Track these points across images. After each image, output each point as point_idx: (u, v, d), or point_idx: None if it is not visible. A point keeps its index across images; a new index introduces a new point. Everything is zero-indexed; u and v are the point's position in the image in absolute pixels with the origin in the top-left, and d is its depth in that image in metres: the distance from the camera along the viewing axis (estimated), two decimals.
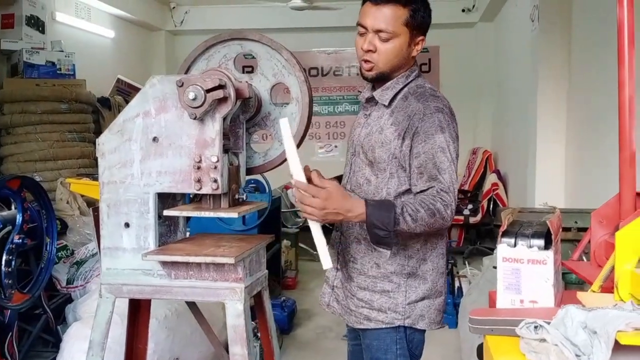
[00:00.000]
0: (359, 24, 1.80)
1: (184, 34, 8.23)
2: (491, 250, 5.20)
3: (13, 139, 4.53)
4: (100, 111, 5.29)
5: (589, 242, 1.65)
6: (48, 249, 3.12)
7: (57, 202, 4.16)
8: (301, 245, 5.99)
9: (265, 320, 2.10)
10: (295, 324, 4.22)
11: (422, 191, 1.71)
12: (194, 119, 1.80)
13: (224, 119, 1.86)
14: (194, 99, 1.76)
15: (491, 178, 6.55)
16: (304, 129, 2.07)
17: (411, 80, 1.83)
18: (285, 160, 2.09)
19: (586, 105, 3.69)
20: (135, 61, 7.41)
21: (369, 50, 1.77)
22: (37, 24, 4.95)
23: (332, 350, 3.69)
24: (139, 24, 7.51)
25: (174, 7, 8.00)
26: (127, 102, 5.70)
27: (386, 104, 1.81)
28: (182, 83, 1.78)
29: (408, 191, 1.77)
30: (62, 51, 5.00)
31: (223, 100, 1.81)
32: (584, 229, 2.65)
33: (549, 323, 1.17)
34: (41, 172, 4.48)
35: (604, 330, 1.07)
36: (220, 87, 1.78)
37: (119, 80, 6.20)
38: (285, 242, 5.45)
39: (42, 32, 5.01)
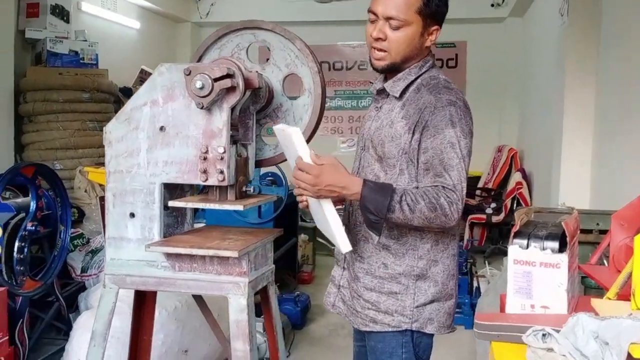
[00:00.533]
0: (369, 11, 1.71)
1: (210, 26, 8.21)
2: None
3: (35, 127, 4.55)
4: (122, 101, 5.30)
5: (609, 245, 1.57)
6: (62, 236, 3.13)
7: (75, 190, 4.17)
8: (319, 239, 5.93)
9: (271, 317, 2.06)
10: (308, 319, 4.17)
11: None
12: (201, 108, 1.76)
13: (232, 109, 1.82)
14: (201, 88, 1.72)
15: (516, 177, 6.41)
16: (316, 121, 2.02)
17: (424, 72, 1.73)
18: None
19: (615, 103, 3.56)
20: (160, 52, 7.42)
21: (378, 39, 1.68)
22: (61, 13, 4.96)
23: (343, 348, 3.63)
24: (165, 15, 7.51)
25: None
26: None
27: (397, 95, 1.71)
28: (190, 71, 1.74)
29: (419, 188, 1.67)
30: (86, 40, 5.01)
31: (231, 89, 1.77)
32: (606, 232, 2.56)
33: (558, 331, 1.10)
34: (61, 161, 4.48)
35: (616, 341, 1.00)
36: (229, 76, 1.73)
37: (142, 71, 6.20)
38: (303, 237, 5.40)
39: (67, 21, 5.03)
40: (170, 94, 1.83)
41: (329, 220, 1.60)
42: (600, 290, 2.35)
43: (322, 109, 2.03)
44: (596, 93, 3.80)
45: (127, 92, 5.43)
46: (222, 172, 1.79)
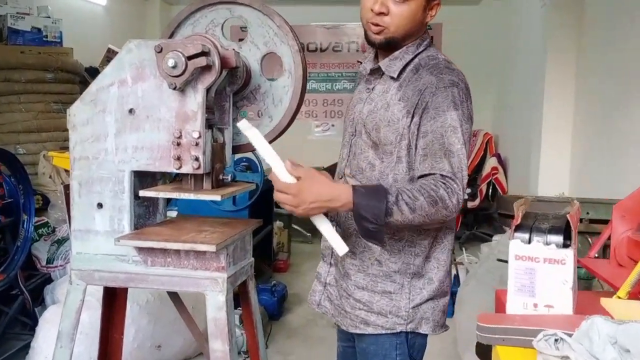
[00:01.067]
0: None
1: (179, 4, 7.97)
2: (489, 237, 5.05)
3: None
4: (88, 82, 5.06)
5: (609, 238, 1.49)
6: (25, 226, 2.95)
7: (39, 176, 3.97)
8: (294, 226, 5.84)
9: (251, 313, 1.94)
10: (285, 308, 4.07)
11: (423, 175, 1.46)
12: (174, 89, 1.62)
13: (208, 90, 1.68)
14: (174, 67, 1.58)
15: (491, 162, 6.37)
16: (296, 104, 1.89)
17: (422, 50, 1.58)
18: (276, 138, 1.93)
19: (596, 89, 3.51)
20: (128, 31, 7.15)
21: (380, 13, 1.51)
22: None
23: (322, 339, 3.54)
24: None
25: None
26: None
27: (395, 75, 1.56)
28: (161, 48, 1.59)
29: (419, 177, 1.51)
30: (49, 17, 4.77)
31: (206, 68, 1.63)
32: (597, 221, 2.51)
33: (570, 335, 1.01)
34: (24, 145, 4.26)
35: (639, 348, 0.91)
36: (204, 53, 1.59)
37: (109, 50, 5.96)
38: (278, 224, 5.29)
39: None
40: (140, 73, 1.69)
41: (319, 227, 1.50)
42: (588, 281, 2.31)
43: (304, 91, 1.90)
44: (577, 79, 3.75)
45: (94, 72, 5.20)
46: (197, 159, 1.65)
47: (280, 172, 1.47)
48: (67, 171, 4.08)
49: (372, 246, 1.54)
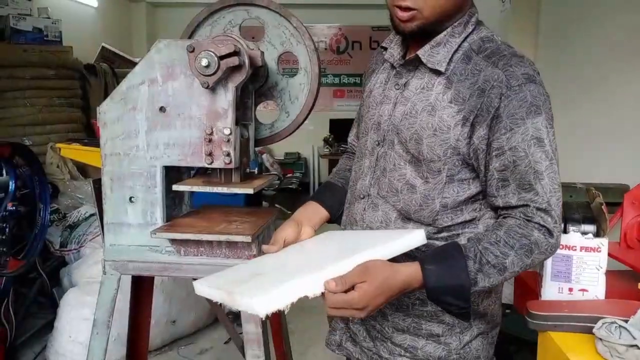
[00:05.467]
0: None
1: (164, 6, 7.65)
2: None
3: (1, 103, 4.00)
4: (87, 78, 4.77)
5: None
6: (41, 214, 2.72)
7: (48, 166, 3.72)
8: (277, 206, 5.69)
9: None
10: None
11: (506, 207, 1.03)
12: (207, 88, 1.46)
13: (236, 88, 1.53)
14: (207, 66, 1.42)
15: None
16: (313, 101, 1.76)
17: (472, 31, 1.09)
18: (292, 132, 1.80)
19: (550, 87, 3.46)
20: (118, 31, 6.81)
21: None
22: None
23: (312, 308, 3.42)
24: None
25: None
26: (112, 69, 5.19)
27: (442, 69, 1.06)
28: (194, 48, 1.42)
29: (475, 199, 1.08)
30: (49, 18, 4.44)
31: (237, 68, 1.47)
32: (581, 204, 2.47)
33: (626, 321, 0.93)
34: (30, 137, 3.99)
35: None
36: (235, 53, 1.43)
37: (103, 48, 5.65)
38: (264, 205, 5.14)
39: None
40: (171, 72, 1.51)
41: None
42: None
43: (318, 88, 1.77)
44: None
45: (91, 69, 4.91)
46: (228, 154, 1.50)
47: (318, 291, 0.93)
48: (73, 161, 3.83)
49: None
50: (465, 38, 1.08)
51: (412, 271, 0.97)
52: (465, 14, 1.09)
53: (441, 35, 1.08)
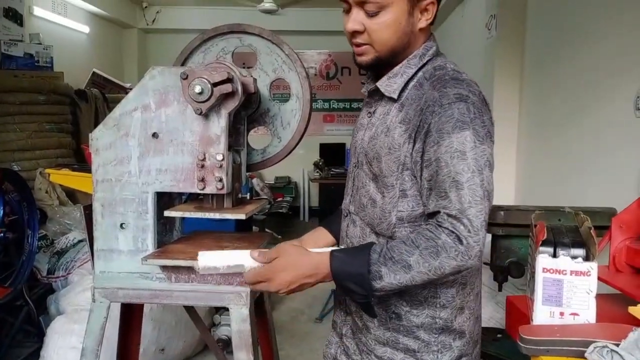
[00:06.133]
0: None
1: (156, 33, 7.73)
2: None
3: None
4: (78, 103, 4.78)
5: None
6: (29, 241, 2.69)
7: (37, 191, 3.69)
8: (267, 230, 5.67)
9: (267, 322, 1.80)
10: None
11: (428, 215, 1.10)
12: (200, 114, 1.47)
13: (229, 114, 1.54)
14: (200, 93, 1.43)
15: None
16: (304, 127, 1.78)
17: (427, 61, 1.17)
18: (284, 157, 1.81)
19: (533, 110, 3.53)
20: (109, 56, 6.85)
21: (355, 32, 1.15)
22: (15, 16, 4.40)
23: (306, 334, 3.40)
24: (112, 20, 6.93)
25: (145, 7, 7.44)
26: (103, 94, 5.21)
27: (395, 96, 1.16)
28: (187, 75, 1.44)
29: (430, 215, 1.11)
30: (40, 44, 4.48)
31: (230, 94, 1.48)
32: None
33: (617, 345, 0.93)
34: (19, 162, 3.97)
35: None
36: (229, 80, 1.45)
37: (94, 73, 5.68)
38: (254, 229, 5.11)
39: (20, 24, 4.47)
40: (164, 99, 1.53)
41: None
42: None
43: (310, 114, 1.79)
44: (520, 102, 3.76)
45: (82, 95, 4.92)
46: (221, 180, 1.51)
47: (249, 265, 1.16)
48: (62, 186, 3.81)
49: (389, 296, 1.16)
50: (420, 68, 1.18)
51: (322, 257, 1.10)
52: (420, 47, 1.19)
53: (397, 67, 1.19)
